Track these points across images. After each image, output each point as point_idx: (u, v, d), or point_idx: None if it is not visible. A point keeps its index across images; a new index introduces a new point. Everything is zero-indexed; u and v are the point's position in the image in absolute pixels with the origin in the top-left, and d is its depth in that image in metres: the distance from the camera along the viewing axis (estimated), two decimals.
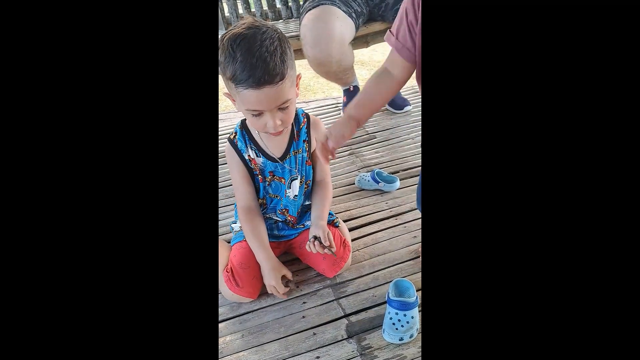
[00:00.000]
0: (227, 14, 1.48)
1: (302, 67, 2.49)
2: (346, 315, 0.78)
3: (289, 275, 0.81)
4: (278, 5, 1.53)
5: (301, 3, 1.37)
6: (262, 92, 0.63)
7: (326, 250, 0.80)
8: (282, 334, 0.75)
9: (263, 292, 0.83)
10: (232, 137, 0.82)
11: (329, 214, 0.88)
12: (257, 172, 0.82)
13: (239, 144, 0.81)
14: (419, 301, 0.74)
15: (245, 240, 0.83)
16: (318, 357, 0.71)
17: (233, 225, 0.94)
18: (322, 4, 1.22)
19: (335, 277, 0.86)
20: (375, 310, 0.79)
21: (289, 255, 0.93)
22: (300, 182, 0.85)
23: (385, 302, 0.81)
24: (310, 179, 0.87)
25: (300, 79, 0.72)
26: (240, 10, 1.51)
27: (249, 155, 0.81)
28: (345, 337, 0.74)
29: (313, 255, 0.84)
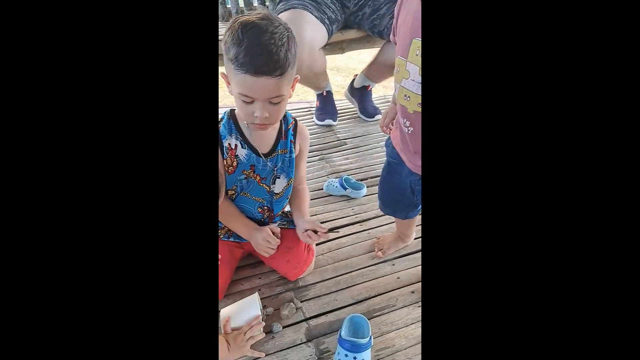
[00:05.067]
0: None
1: None
2: (306, 319, 0.78)
3: (275, 233, 0.81)
4: (255, 4, 1.52)
5: (276, 2, 1.37)
6: (259, 81, 0.63)
7: (330, 234, 0.82)
8: None
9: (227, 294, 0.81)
10: (219, 120, 0.80)
11: None
12: (231, 162, 0.80)
13: (222, 129, 0.79)
14: (372, 343, 0.70)
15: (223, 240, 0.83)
16: None
17: None
18: (294, 8, 1.23)
19: (298, 280, 0.87)
20: (336, 314, 0.80)
21: (253, 258, 0.92)
22: (288, 183, 0.84)
23: (346, 306, 0.82)
24: (290, 172, 0.86)
25: (297, 81, 0.72)
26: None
27: (229, 144, 0.78)
28: (304, 340, 0.74)
29: (276, 258, 0.83)
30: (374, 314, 0.80)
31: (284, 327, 0.76)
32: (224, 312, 0.73)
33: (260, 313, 0.73)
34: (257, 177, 0.81)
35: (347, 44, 1.44)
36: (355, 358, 0.67)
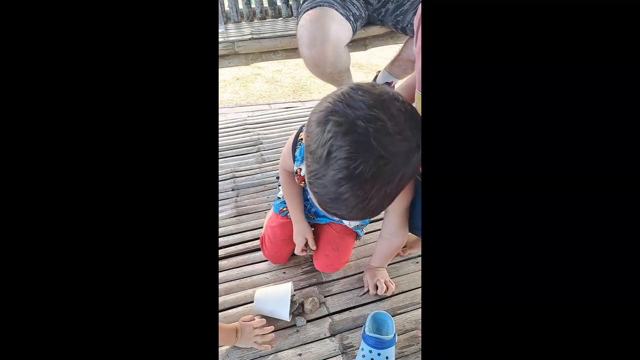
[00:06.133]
0: (227, 8, 1.48)
1: (298, 65, 2.50)
2: (330, 314, 0.79)
3: (311, 242, 0.84)
4: (278, 3, 1.53)
5: (301, 2, 1.38)
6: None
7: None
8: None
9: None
10: (300, 137, 0.69)
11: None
12: (298, 183, 0.76)
13: (297, 153, 0.69)
14: (396, 339, 0.70)
15: (279, 215, 0.87)
16: (300, 354, 0.72)
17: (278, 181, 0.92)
18: (320, 6, 1.23)
19: (322, 276, 0.88)
20: (359, 310, 0.80)
21: None
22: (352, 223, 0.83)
23: (369, 302, 0.82)
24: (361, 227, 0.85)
25: None
26: (240, 6, 1.51)
27: (299, 169, 0.71)
28: (327, 335, 0.75)
29: (320, 249, 0.85)
30: (398, 312, 0.80)
31: (307, 322, 0.77)
32: (257, 292, 0.78)
33: (288, 317, 0.75)
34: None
35: (370, 41, 1.43)
36: (379, 354, 0.67)
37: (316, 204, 0.52)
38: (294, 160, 0.73)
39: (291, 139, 0.74)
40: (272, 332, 0.74)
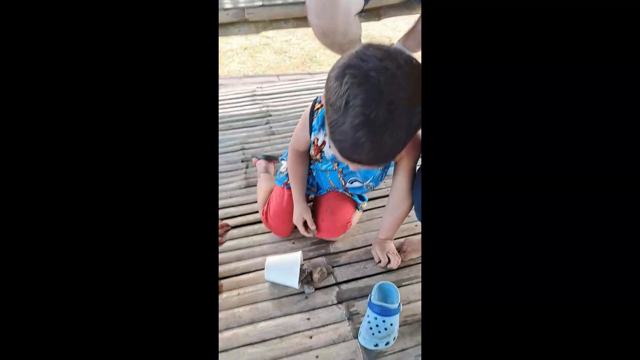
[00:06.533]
0: None
1: (308, 36, 2.42)
2: (337, 284, 0.82)
3: (310, 222, 0.86)
4: None
5: None
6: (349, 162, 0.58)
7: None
8: (275, 295, 0.79)
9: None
10: (316, 108, 0.74)
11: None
12: (315, 154, 0.79)
13: (315, 122, 0.73)
14: (401, 309, 0.73)
15: (283, 187, 0.89)
16: (309, 319, 0.75)
17: (282, 161, 0.94)
18: None
19: (329, 247, 0.90)
20: (365, 281, 0.83)
21: None
22: (362, 184, 0.85)
23: (376, 274, 0.85)
24: (373, 183, 0.86)
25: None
26: None
27: (317, 138, 0.75)
28: (335, 302, 0.79)
29: (318, 215, 0.88)
30: (403, 283, 0.82)
31: (315, 290, 0.81)
32: (268, 260, 0.80)
33: (297, 285, 0.79)
34: (340, 171, 0.83)
35: (384, 11, 1.38)
36: (384, 321, 0.71)
37: (337, 155, 0.57)
38: (311, 131, 0.75)
39: (306, 112, 0.76)
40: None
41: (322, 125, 0.74)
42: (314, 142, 0.78)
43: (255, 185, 1.07)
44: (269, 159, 1.09)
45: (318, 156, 0.80)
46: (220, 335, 0.72)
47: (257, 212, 0.99)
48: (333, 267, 0.86)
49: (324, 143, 0.77)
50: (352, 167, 0.60)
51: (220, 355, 0.69)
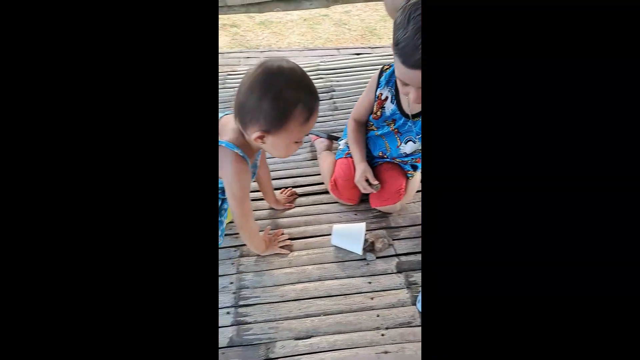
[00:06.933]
0: None
1: (369, 6, 2.35)
2: (397, 255, 0.89)
3: (372, 178, 0.92)
4: None
5: None
6: (412, 72, 0.65)
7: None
8: (340, 258, 0.88)
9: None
10: (385, 68, 0.88)
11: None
12: (377, 110, 0.89)
13: (383, 78, 0.87)
14: None
15: (346, 157, 0.99)
16: (370, 282, 0.83)
17: (341, 141, 1.07)
18: None
19: (390, 221, 0.96)
20: None
21: None
22: (419, 149, 0.91)
23: None
24: None
25: None
26: None
27: (380, 93, 0.87)
28: (395, 271, 0.86)
29: (383, 176, 0.95)
30: None
31: (377, 258, 0.88)
32: (335, 227, 0.89)
33: (361, 251, 0.86)
34: (396, 130, 0.90)
35: None
36: None
37: (400, 65, 0.66)
38: (377, 86, 0.88)
39: (374, 76, 0.90)
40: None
41: (388, 82, 0.86)
42: (378, 97, 0.87)
43: None
44: (331, 138, 1.15)
45: (379, 112, 0.88)
46: (293, 287, 0.82)
47: (322, 183, 1.07)
48: (393, 239, 0.92)
49: (386, 99, 0.87)
50: (413, 79, 0.66)
51: (293, 303, 0.80)
